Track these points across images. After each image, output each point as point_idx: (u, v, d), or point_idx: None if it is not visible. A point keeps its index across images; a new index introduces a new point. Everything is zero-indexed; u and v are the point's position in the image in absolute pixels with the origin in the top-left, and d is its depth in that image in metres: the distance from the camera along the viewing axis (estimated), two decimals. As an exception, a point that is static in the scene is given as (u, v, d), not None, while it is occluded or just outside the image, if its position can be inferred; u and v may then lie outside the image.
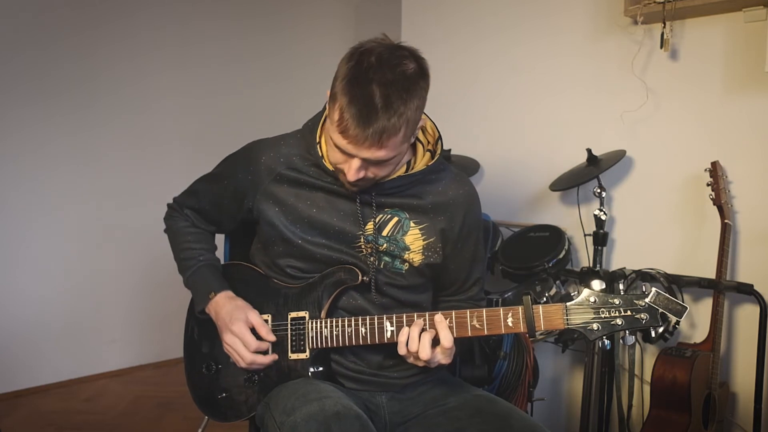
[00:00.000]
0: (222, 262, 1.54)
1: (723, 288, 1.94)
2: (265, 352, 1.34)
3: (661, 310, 1.13)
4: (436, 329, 1.22)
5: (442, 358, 1.24)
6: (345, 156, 1.23)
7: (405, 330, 1.23)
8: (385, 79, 1.16)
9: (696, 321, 2.13)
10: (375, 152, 1.20)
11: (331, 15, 3.99)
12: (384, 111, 1.15)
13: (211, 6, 3.58)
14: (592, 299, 1.16)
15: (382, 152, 1.20)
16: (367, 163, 1.23)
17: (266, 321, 1.37)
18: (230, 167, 1.44)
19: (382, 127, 1.16)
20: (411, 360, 1.25)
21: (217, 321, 1.38)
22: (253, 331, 1.34)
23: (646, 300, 1.13)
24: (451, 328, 1.22)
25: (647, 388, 2.07)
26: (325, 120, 1.37)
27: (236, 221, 1.47)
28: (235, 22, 3.67)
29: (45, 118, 3.07)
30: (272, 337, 1.34)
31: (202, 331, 1.48)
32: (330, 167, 1.33)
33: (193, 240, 1.49)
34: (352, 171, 1.23)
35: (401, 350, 1.23)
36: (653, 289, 1.14)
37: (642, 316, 1.14)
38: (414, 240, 1.37)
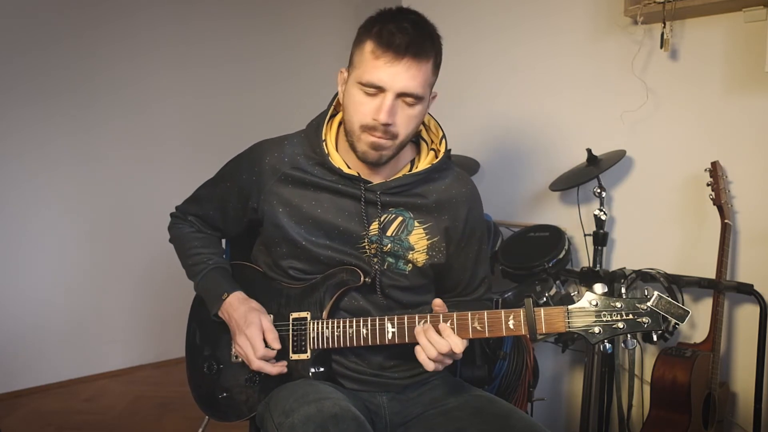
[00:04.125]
0: (224, 262, 1.53)
1: (723, 288, 1.94)
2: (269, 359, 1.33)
3: (663, 313, 1.12)
4: (442, 335, 1.19)
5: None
6: (375, 97, 1.23)
7: (419, 348, 1.20)
8: (408, 17, 1.24)
9: (696, 321, 2.13)
10: (412, 75, 1.22)
11: (331, 15, 3.98)
12: (417, 28, 1.23)
13: (211, 6, 3.57)
14: (594, 302, 1.15)
15: (418, 78, 1.23)
16: (396, 106, 1.23)
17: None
18: (234, 169, 1.43)
19: (420, 41, 1.22)
20: (432, 366, 1.20)
21: (230, 323, 1.37)
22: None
23: (648, 304, 1.13)
24: (452, 329, 1.21)
25: (647, 388, 2.06)
26: (330, 118, 1.38)
27: (241, 224, 1.46)
28: (235, 22, 3.66)
29: (45, 118, 3.07)
30: (277, 345, 1.32)
31: (203, 331, 1.49)
32: (338, 165, 1.33)
33: (200, 245, 1.48)
34: (385, 109, 1.22)
35: (429, 367, 1.19)
36: (655, 293, 1.13)
37: (644, 320, 1.13)
38: (418, 239, 1.37)
